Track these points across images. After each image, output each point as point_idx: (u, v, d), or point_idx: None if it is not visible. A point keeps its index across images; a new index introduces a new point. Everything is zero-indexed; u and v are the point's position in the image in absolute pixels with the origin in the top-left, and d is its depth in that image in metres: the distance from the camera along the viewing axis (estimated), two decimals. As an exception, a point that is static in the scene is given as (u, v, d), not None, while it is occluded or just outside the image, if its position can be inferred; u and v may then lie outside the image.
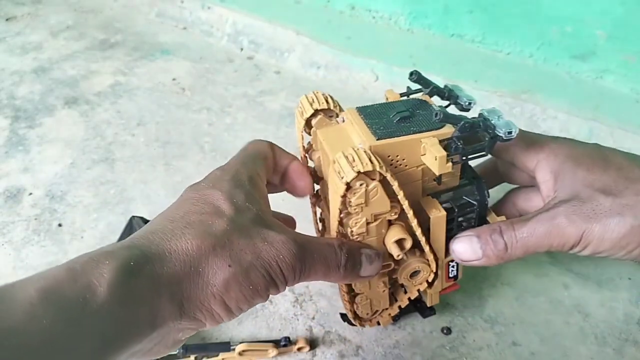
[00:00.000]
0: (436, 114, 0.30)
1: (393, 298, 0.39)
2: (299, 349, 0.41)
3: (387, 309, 0.39)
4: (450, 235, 0.35)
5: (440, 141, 0.30)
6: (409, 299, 0.38)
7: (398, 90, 0.38)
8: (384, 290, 0.37)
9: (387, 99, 0.37)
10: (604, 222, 0.30)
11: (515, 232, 0.32)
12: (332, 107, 0.35)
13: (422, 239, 0.33)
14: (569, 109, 0.65)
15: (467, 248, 0.33)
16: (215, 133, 0.68)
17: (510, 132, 0.30)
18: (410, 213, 0.31)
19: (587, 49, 0.64)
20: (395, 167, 0.31)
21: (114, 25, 0.95)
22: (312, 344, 0.42)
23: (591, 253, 0.31)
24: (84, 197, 0.57)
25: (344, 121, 0.34)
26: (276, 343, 0.41)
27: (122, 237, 0.48)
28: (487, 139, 0.31)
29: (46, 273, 0.22)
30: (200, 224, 0.26)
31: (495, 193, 0.43)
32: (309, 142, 0.38)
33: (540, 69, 0.68)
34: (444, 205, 0.34)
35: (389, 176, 0.29)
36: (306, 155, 0.38)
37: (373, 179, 0.29)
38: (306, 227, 0.52)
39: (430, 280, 0.36)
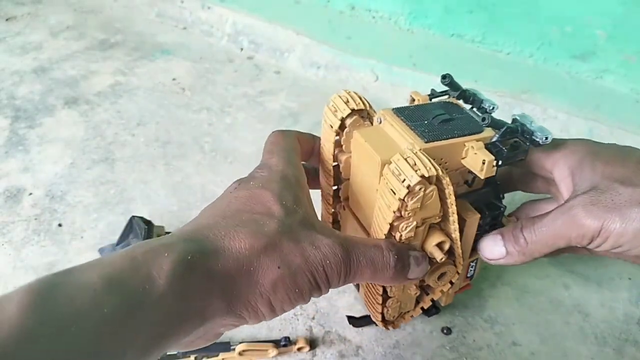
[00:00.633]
0: (484, 118, 0.31)
1: (415, 300, 0.39)
2: (299, 349, 0.41)
3: (410, 311, 0.39)
4: (477, 238, 0.35)
5: (486, 145, 0.31)
6: (432, 300, 0.38)
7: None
8: (415, 294, 0.37)
9: (414, 99, 0.36)
10: (624, 212, 0.28)
11: (534, 227, 0.32)
12: (367, 108, 0.34)
13: (458, 242, 0.33)
14: (569, 109, 0.65)
15: (492, 247, 0.34)
16: (215, 133, 0.68)
17: (547, 138, 0.31)
18: (454, 216, 0.31)
19: (587, 49, 0.64)
20: None
21: (114, 25, 0.95)
22: (312, 344, 0.42)
23: (612, 246, 0.30)
24: (84, 197, 0.57)
25: (380, 122, 0.33)
26: (276, 343, 0.41)
27: (122, 237, 0.48)
28: (527, 144, 0.32)
29: (107, 260, 0.23)
30: (252, 223, 0.26)
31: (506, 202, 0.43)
32: (338, 142, 0.36)
33: (540, 69, 0.68)
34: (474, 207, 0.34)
35: (447, 181, 0.29)
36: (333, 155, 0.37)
37: (430, 183, 0.29)
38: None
39: (454, 281, 0.36)
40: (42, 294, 0.20)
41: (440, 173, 0.28)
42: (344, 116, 0.34)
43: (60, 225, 0.54)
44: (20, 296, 0.20)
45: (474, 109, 0.34)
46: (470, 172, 0.32)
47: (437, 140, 0.30)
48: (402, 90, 0.74)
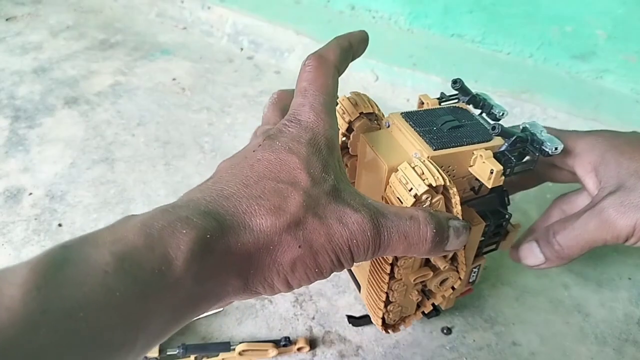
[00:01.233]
0: (493, 127, 0.30)
1: (417, 306, 0.39)
2: (299, 349, 0.41)
3: (411, 315, 0.39)
4: (480, 244, 0.36)
5: (494, 155, 0.30)
6: (433, 304, 0.38)
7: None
8: (417, 299, 0.37)
9: (423, 103, 0.36)
10: None
11: (567, 232, 0.32)
12: (376, 111, 0.34)
13: (462, 250, 0.33)
14: (569, 109, 0.65)
15: (530, 254, 0.35)
16: (215, 133, 0.68)
17: (556, 149, 0.31)
18: None
19: (587, 49, 0.64)
20: None
21: (114, 25, 0.95)
22: (312, 344, 0.42)
23: None
24: (84, 197, 0.57)
25: (388, 126, 0.33)
26: (276, 343, 0.41)
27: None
28: (536, 154, 0.31)
29: (120, 233, 0.21)
30: (276, 195, 0.24)
31: (535, 192, 0.44)
32: (345, 145, 0.36)
33: (540, 69, 0.68)
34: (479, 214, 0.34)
35: (454, 190, 0.29)
36: None
37: (437, 192, 0.29)
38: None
39: (456, 286, 0.36)
40: (47, 276, 0.18)
41: (448, 183, 0.28)
42: (352, 119, 0.33)
43: (60, 225, 0.54)
44: (24, 277, 0.18)
45: (484, 115, 0.34)
46: (477, 179, 0.32)
47: (445, 148, 0.30)
48: (402, 90, 0.74)
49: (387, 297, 0.35)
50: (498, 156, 0.31)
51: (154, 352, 0.39)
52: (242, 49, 0.87)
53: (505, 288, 0.47)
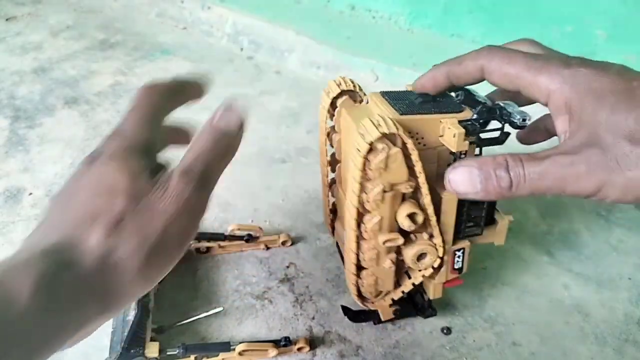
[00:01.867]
0: (457, 94, 0.32)
1: (397, 284, 0.39)
2: (299, 349, 0.41)
3: (389, 292, 0.39)
4: (459, 221, 0.35)
5: (460, 122, 0.32)
6: (413, 284, 0.38)
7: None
8: (390, 267, 0.36)
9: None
10: (628, 176, 0.26)
11: (524, 171, 0.28)
12: (357, 90, 0.38)
13: (433, 218, 0.34)
14: (569, 109, 0.65)
15: (464, 179, 0.29)
16: (215, 133, 0.68)
17: (524, 120, 0.31)
18: (425, 187, 0.32)
19: (587, 49, 0.64)
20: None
21: (114, 25, 0.95)
22: (312, 344, 0.42)
23: (610, 203, 0.30)
24: (84, 197, 0.57)
25: (367, 103, 0.36)
26: (276, 343, 0.41)
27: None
28: (502, 124, 0.32)
29: None
30: (103, 211, 0.25)
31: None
32: (331, 126, 0.40)
33: (540, 69, 0.68)
34: None
35: (410, 143, 0.30)
36: (327, 138, 0.40)
37: (394, 144, 0.30)
38: (308, 228, 0.52)
39: (436, 266, 0.36)
40: None
41: (402, 133, 0.30)
42: (334, 96, 0.37)
43: (60, 225, 0.54)
44: None
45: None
46: (452, 153, 0.33)
47: (412, 114, 0.32)
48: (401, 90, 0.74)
49: (358, 259, 0.36)
50: (467, 125, 0.32)
51: (154, 352, 0.39)
52: (242, 49, 0.87)
53: (505, 288, 0.47)
